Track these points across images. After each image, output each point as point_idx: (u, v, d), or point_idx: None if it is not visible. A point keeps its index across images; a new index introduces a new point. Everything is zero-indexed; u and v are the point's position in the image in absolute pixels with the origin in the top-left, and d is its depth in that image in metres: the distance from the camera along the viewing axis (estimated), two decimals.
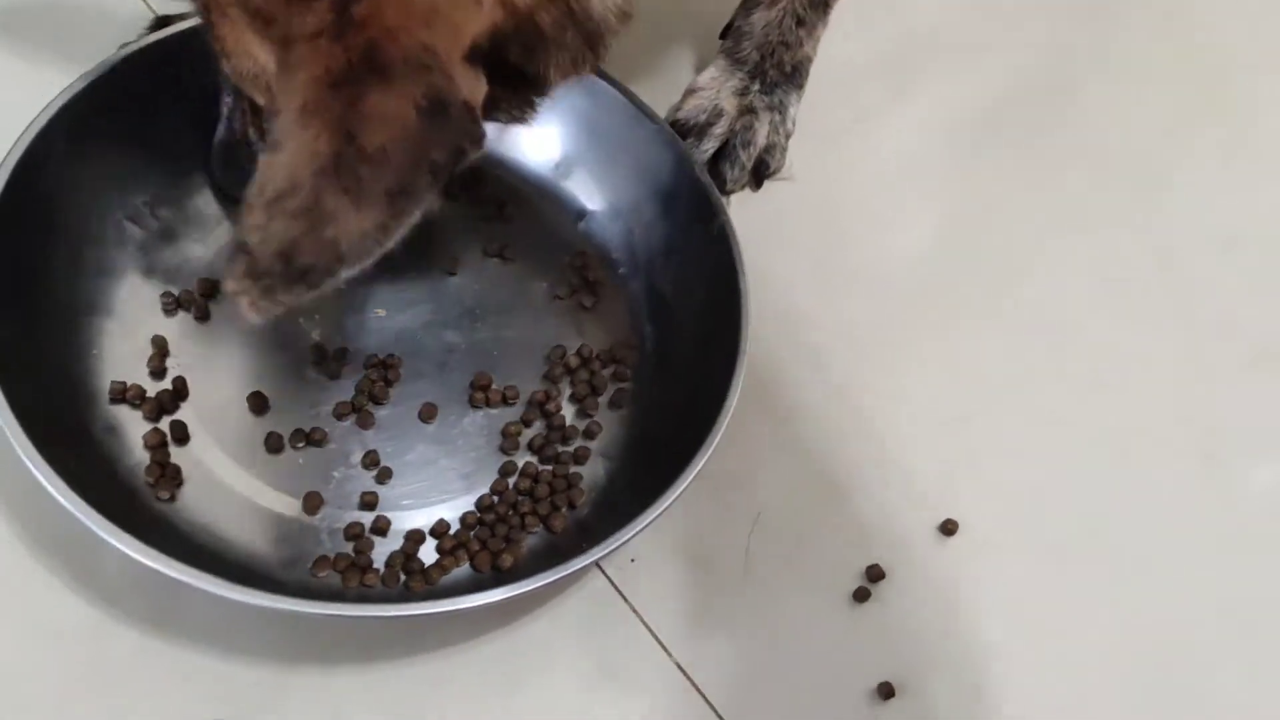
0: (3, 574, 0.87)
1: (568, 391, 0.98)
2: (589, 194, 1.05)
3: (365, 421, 0.94)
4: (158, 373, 0.93)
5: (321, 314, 0.97)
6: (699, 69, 1.14)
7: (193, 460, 0.91)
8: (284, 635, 0.87)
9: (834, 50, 1.14)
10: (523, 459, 0.95)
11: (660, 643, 0.91)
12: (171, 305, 0.95)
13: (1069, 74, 1.23)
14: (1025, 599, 0.96)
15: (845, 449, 1.00)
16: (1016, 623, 0.94)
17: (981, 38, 1.24)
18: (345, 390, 0.95)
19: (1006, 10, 1.26)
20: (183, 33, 0.97)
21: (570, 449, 0.95)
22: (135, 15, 1.08)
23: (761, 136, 1.11)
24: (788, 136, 1.12)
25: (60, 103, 0.93)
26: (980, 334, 1.07)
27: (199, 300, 0.96)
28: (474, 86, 0.73)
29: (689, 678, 0.90)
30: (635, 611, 0.92)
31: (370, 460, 0.93)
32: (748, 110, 1.11)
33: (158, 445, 0.90)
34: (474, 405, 0.96)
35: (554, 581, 0.85)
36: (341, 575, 0.88)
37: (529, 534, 0.91)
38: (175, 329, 0.95)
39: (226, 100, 0.90)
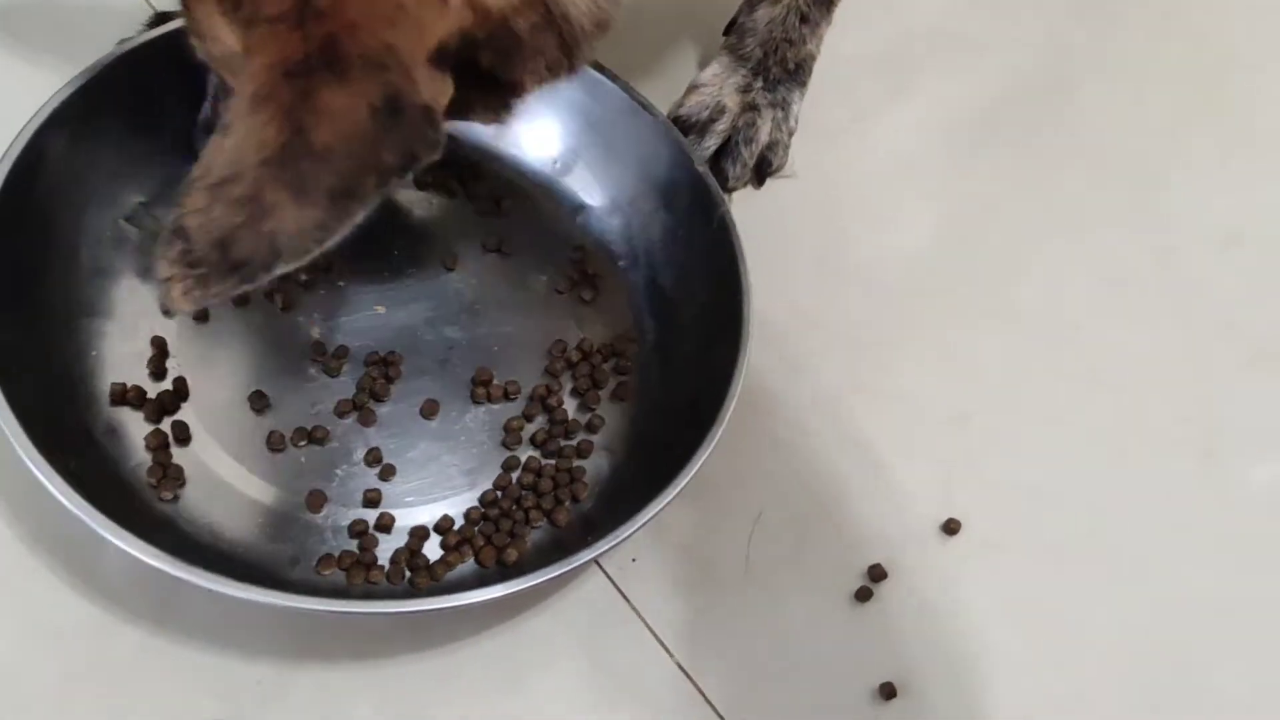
0: (3, 574, 0.87)
1: (569, 385, 0.98)
2: (588, 188, 1.05)
3: (367, 419, 0.94)
4: (158, 373, 0.93)
5: (321, 312, 0.97)
6: (702, 65, 1.14)
7: (195, 461, 0.90)
8: (285, 633, 0.87)
9: (832, 48, 1.14)
10: (525, 453, 0.95)
11: (661, 642, 0.91)
12: None
13: (1068, 73, 1.23)
14: (1026, 598, 0.96)
15: (846, 448, 1.00)
16: (1018, 622, 0.94)
17: (980, 36, 1.24)
18: (346, 388, 0.95)
19: (1005, 9, 1.26)
20: (181, 29, 0.95)
21: (573, 443, 0.95)
22: (133, 11, 1.08)
23: (764, 134, 1.10)
24: (790, 134, 1.12)
25: (57, 101, 0.92)
26: (980, 332, 1.07)
27: None
28: (437, 89, 0.71)
29: (689, 678, 0.90)
30: (636, 611, 0.92)
31: (373, 457, 0.93)
32: (750, 107, 1.10)
33: (159, 446, 0.90)
34: (475, 401, 0.96)
35: (557, 577, 0.85)
36: (346, 573, 0.88)
37: (533, 528, 0.91)
38: (175, 329, 0.94)
39: (212, 79, 0.90)
